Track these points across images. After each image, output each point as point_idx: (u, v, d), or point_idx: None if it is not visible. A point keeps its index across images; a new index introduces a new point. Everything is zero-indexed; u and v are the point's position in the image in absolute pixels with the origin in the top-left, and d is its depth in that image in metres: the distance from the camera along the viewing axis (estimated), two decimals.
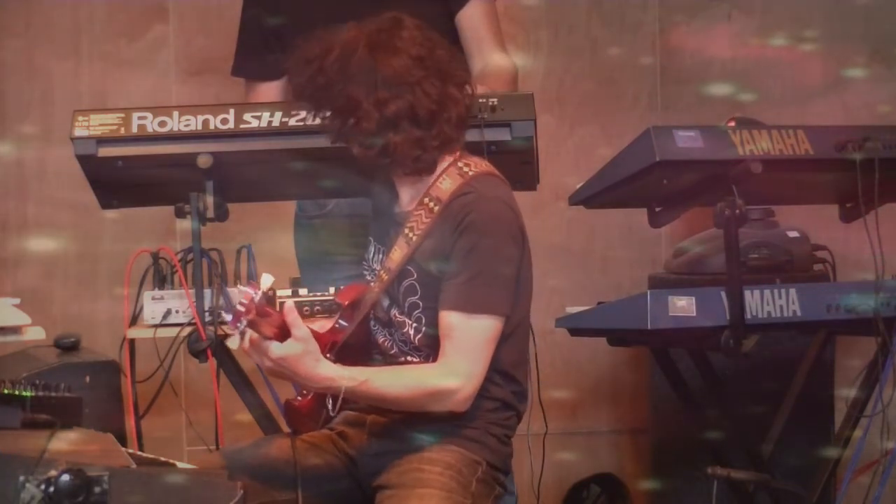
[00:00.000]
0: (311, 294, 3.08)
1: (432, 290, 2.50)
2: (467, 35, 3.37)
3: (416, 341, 2.54)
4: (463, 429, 2.51)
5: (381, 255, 2.63)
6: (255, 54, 3.38)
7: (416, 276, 2.52)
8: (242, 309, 2.21)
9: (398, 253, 2.55)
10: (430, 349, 2.53)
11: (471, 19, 3.37)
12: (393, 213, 2.64)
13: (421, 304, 2.53)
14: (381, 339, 2.61)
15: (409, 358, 2.56)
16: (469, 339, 2.46)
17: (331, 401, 2.39)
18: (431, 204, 2.53)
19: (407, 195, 2.61)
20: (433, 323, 2.50)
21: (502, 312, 2.50)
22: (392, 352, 2.59)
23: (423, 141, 2.52)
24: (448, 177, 2.55)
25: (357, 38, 2.52)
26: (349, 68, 2.49)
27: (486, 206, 2.50)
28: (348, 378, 2.35)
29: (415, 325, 2.54)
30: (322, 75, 2.52)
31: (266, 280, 2.27)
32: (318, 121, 2.65)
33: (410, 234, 2.54)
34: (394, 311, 2.57)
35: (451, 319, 2.46)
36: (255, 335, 2.30)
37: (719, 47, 4.47)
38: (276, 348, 2.30)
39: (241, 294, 2.24)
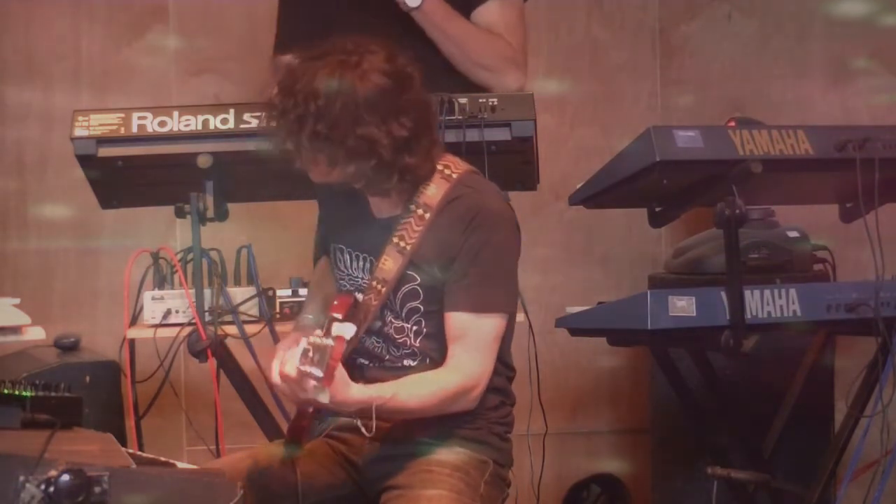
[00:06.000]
0: None
1: (435, 293, 2.48)
2: None
3: (417, 344, 2.52)
4: (467, 430, 2.51)
5: (364, 263, 2.56)
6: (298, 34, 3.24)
7: (418, 280, 2.49)
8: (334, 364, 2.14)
9: (390, 263, 2.49)
10: (429, 352, 2.51)
11: (486, 18, 3.23)
12: (370, 219, 2.57)
13: (422, 308, 2.50)
14: (370, 347, 2.56)
15: (405, 363, 2.53)
16: (479, 339, 2.45)
17: (359, 421, 2.30)
18: (420, 211, 2.49)
19: (386, 202, 2.54)
20: (435, 325, 2.49)
21: (510, 309, 2.51)
22: (386, 358, 2.55)
23: (431, 150, 2.49)
24: (432, 182, 2.51)
25: (329, 70, 2.36)
26: (349, 107, 2.35)
27: (491, 204, 2.49)
28: (378, 396, 2.30)
29: (415, 328, 2.52)
30: (319, 123, 2.35)
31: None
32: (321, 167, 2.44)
33: (402, 244, 2.49)
34: (389, 318, 2.53)
35: (461, 320, 2.45)
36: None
37: (719, 47, 4.47)
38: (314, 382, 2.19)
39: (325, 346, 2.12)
